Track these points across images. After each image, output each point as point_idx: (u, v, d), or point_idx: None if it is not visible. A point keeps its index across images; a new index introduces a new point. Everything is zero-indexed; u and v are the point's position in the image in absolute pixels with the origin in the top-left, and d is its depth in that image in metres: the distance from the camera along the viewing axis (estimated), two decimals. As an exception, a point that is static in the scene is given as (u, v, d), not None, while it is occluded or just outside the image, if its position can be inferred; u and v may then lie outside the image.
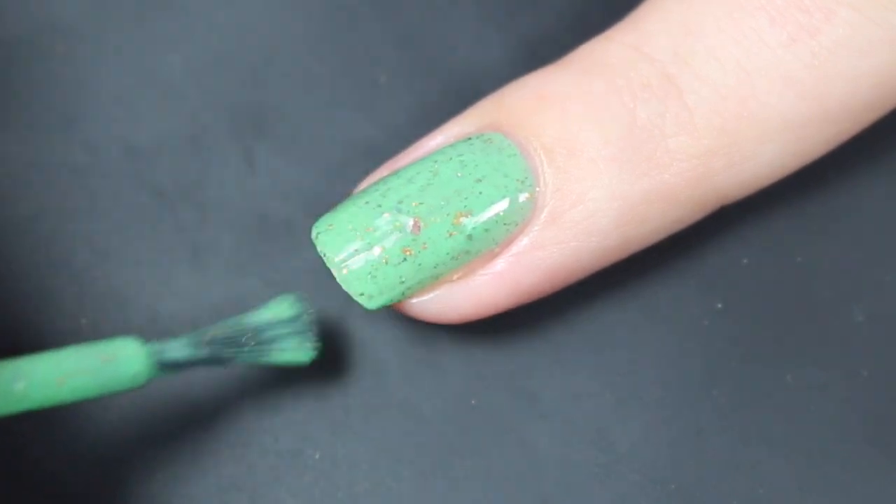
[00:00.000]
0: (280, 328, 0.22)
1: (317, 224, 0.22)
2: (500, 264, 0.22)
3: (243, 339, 0.22)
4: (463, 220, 0.22)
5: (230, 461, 0.23)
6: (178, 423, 0.24)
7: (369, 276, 0.22)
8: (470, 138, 0.23)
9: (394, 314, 0.24)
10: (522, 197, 0.22)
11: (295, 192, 0.25)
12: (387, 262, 0.22)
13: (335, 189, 0.25)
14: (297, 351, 0.22)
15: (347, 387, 0.24)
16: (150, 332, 0.24)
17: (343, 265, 0.22)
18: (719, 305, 0.25)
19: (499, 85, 0.24)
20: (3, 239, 0.25)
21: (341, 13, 0.26)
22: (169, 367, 0.21)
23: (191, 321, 0.24)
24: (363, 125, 0.26)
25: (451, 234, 0.22)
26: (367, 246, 0.22)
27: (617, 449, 0.24)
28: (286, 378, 0.24)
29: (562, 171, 0.22)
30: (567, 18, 0.26)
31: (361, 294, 0.22)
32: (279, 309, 0.22)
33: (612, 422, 0.24)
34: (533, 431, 0.24)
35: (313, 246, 0.22)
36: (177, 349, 0.21)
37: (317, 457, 0.24)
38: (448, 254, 0.22)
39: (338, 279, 0.22)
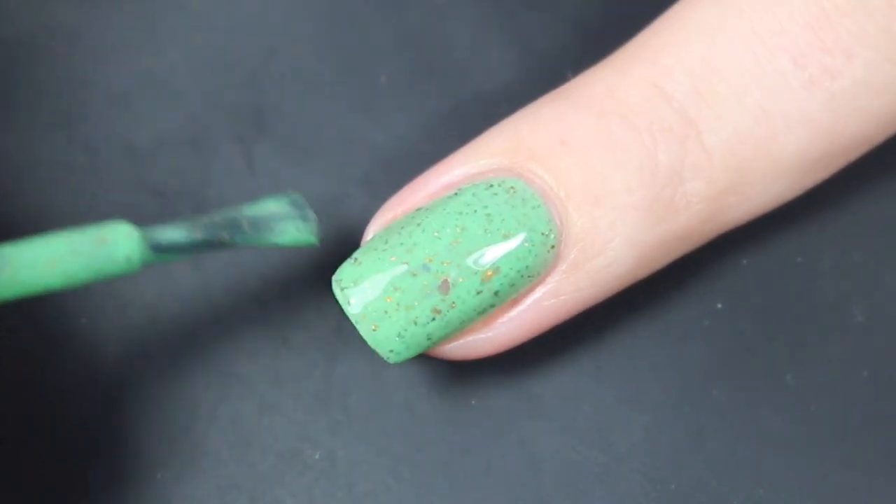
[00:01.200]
0: (280, 211, 0.22)
1: (338, 278, 0.22)
2: (519, 311, 0.22)
3: (242, 222, 0.21)
4: (492, 277, 0.21)
5: (230, 461, 0.23)
6: (178, 422, 0.24)
7: (397, 337, 0.21)
8: (492, 185, 0.22)
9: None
10: (547, 249, 0.22)
11: (295, 191, 0.24)
12: (416, 324, 0.21)
13: (335, 188, 0.25)
14: (299, 232, 0.22)
15: (347, 387, 0.24)
16: (150, 332, 0.24)
17: (371, 324, 0.21)
18: (719, 305, 0.25)
19: (498, 85, 0.24)
20: (3, 239, 0.25)
21: (342, 13, 0.26)
22: (164, 251, 0.20)
23: (191, 321, 0.24)
24: (363, 125, 0.26)
25: (479, 293, 0.21)
26: (395, 307, 0.21)
27: (617, 449, 0.24)
28: (286, 378, 0.24)
29: (586, 221, 0.22)
30: (567, 19, 0.26)
31: (391, 351, 0.22)
32: (277, 199, 0.22)
33: (612, 422, 0.24)
34: (533, 431, 0.24)
35: (334, 297, 0.22)
36: (172, 231, 0.20)
37: (316, 457, 0.24)
38: (475, 310, 0.22)
39: (364, 336, 0.22)
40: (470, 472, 0.24)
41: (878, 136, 0.23)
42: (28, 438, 0.23)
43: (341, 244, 0.24)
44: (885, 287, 0.25)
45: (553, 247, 0.22)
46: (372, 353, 0.24)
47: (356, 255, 0.22)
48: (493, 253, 0.21)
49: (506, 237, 0.21)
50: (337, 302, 0.23)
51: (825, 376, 0.24)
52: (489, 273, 0.21)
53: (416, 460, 0.24)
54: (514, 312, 0.22)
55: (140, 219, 0.24)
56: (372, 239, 0.22)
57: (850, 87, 0.21)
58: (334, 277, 0.22)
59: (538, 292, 0.22)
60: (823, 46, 0.21)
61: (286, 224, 0.22)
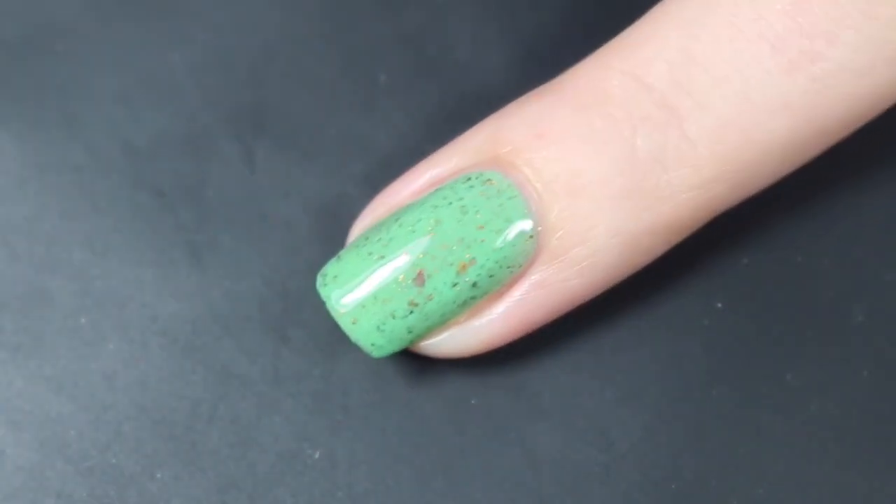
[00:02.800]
0: None
1: (322, 273, 0.22)
2: (506, 304, 0.22)
3: None
4: (467, 268, 0.22)
5: (230, 461, 0.23)
6: (178, 423, 0.24)
7: (377, 330, 0.22)
8: (469, 178, 0.22)
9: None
10: (525, 239, 0.22)
11: (295, 192, 0.25)
12: (394, 317, 0.22)
13: (335, 188, 0.25)
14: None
15: (347, 387, 0.24)
16: (149, 332, 0.24)
17: (351, 318, 0.22)
18: (719, 305, 0.25)
19: (498, 85, 0.24)
20: (3, 238, 0.25)
21: (341, 12, 0.26)
22: None
23: (191, 321, 0.24)
24: (363, 124, 0.26)
25: (455, 285, 0.22)
26: (372, 299, 0.22)
27: (617, 448, 0.24)
28: (286, 378, 0.24)
29: (564, 211, 0.22)
30: (567, 18, 0.26)
31: (372, 345, 0.22)
32: None
33: (612, 421, 0.24)
34: (533, 431, 0.24)
35: (318, 294, 0.22)
36: None
37: (316, 456, 0.23)
38: (454, 301, 0.22)
39: (345, 330, 0.22)
40: (470, 471, 0.24)
41: (864, 117, 0.22)
42: (28, 438, 0.23)
43: (340, 244, 0.24)
44: (885, 287, 0.25)
45: (532, 237, 0.22)
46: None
47: (340, 252, 0.22)
48: (467, 242, 0.22)
49: (480, 228, 0.22)
50: None
51: (825, 376, 0.24)
52: (464, 264, 0.22)
53: (416, 460, 0.24)
54: (502, 306, 0.22)
55: (139, 218, 0.25)
56: (356, 237, 0.23)
57: (832, 70, 0.21)
58: (318, 274, 0.22)
59: (524, 284, 0.22)
60: (801, 31, 0.21)
61: None
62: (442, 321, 0.22)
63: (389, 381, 0.24)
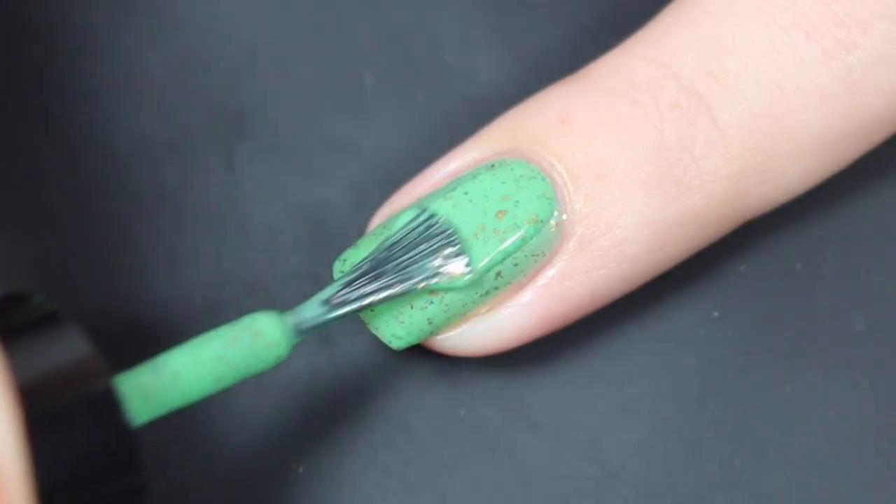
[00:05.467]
0: (420, 244, 0.22)
1: (340, 259, 0.22)
2: (529, 295, 0.22)
3: (387, 276, 0.21)
4: None
5: (214, 477, 0.23)
6: (160, 439, 0.23)
7: (396, 320, 0.22)
8: (493, 166, 0.22)
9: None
10: (550, 228, 0.22)
11: (277, 197, 0.25)
12: (413, 307, 0.22)
13: (318, 192, 0.25)
14: (449, 277, 0.22)
15: (332, 398, 0.24)
16: (128, 341, 0.24)
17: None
18: (716, 314, 0.25)
19: (487, 86, 0.24)
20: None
21: (326, 13, 0.26)
22: (309, 331, 0.21)
23: (170, 329, 0.24)
24: (348, 128, 0.26)
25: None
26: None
27: (610, 462, 0.24)
28: (269, 390, 0.24)
29: (589, 199, 0.22)
30: (557, 19, 0.26)
31: (392, 336, 0.22)
32: (413, 223, 0.22)
33: (605, 434, 0.24)
34: (523, 443, 0.24)
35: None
36: (314, 310, 0.21)
37: (300, 470, 0.23)
38: (476, 291, 0.22)
39: (364, 320, 0.22)
40: (459, 485, 0.23)
41: None
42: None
43: (325, 251, 0.24)
44: (887, 294, 0.25)
45: (557, 224, 0.22)
46: (359, 364, 0.24)
47: (358, 240, 0.22)
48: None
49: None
50: None
51: (825, 387, 0.24)
52: None
53: (404, 473, 0.23)
54: (525, 297, 0.22)
55: (119, 223, 0.25)
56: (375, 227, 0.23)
57: (867, 60, 0.21)
58: (336, 261, 0.22)
59: (546, 275, 0.22)
60: (836, 18, 0.21)
61: (430, 259, 0.22)
62: (462, 312, 0.22)
63: (377, 393, 0.24)
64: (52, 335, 0.19)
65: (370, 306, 0.21)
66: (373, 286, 0.21)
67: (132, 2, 0.26)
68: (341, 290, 0.21)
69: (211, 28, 0.26)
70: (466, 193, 0.22)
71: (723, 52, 0.22)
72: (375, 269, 0.21)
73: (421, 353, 0.24)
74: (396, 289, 0.21)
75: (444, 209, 0.22)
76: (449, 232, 0.22)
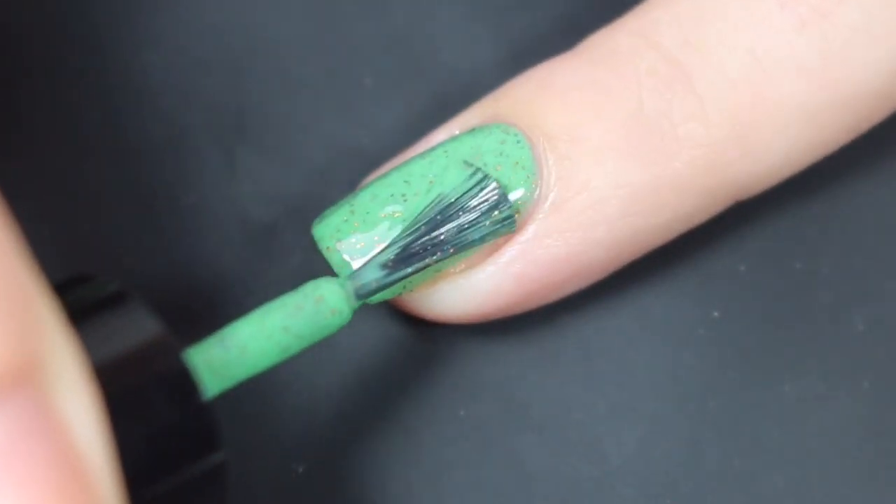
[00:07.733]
0: (471, 200, 0.22)
1: (318, 219, 0.23)
2: (505, 256, 0.22)
3: (443, 237, 0.22)
4: None
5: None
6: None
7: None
8: (473, 129, 0.23)
9: (379, 323, 0.24)
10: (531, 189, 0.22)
11: (277, 197, 0.25)
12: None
13: (319, 193, 0.25)
14: (498, 225, 0.22)
15: (332, 399, 0.24)
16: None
17: (342, 259, 0.22)
18: (715, 314, 0.25)
19: (487, 87, 0.24)
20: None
21: (326, 13, 0.26)
22: (371, 294, 0.21)
23: (170, 329, 0.24)
24: (348, 128, 0.26)
25: None
26: (366, 240, 0.22)
27: (610, 462, 0.24)
28: (269, 390, 0.24)
29: (564, 159, 0.22)
30: (557, 19, 0.26)
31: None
32: (466, 183, 0.22)
33: (604, 434, 0.24)
34: (523, 443, 0.24)
35: (312, 239, 0.23)
36: (374, 273, 0.21)
37: (300, 471, 0.23)
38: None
39: (336, 271, 0.22)
40: (458, 485, 0.23)
41: (885, 91, 0.23)
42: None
43: None
44: (887, 294, 0.25)
45: (533, 184, 0.22)
46: (359, 364, 0.24)
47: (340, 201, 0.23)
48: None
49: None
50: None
51: (825, 387, 0.24)
52: None
53: (404, 474, 0.23)
54: (500, 258, 0.22)
55: (118, 222, 0.25)
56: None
57: (844, 30, 0.22)
58: (314, 221, 0.23)
59: (522, 235, 0.22)
60: None
61: (484, 220, 0.22)
62: (436, 268, 0.22)
63: (375, 394, 0.24)
64: (120, 315, 0.18)
65: (427, 267, 0.21)
66: (429, 248, 0.21)
67: (132, 2, 0.26)
68: (399, 252, 0.21)
69: (211, 28, 0.26)
70: (445, 152, 0.22)
71: (702, 24, 0.22)
72: (431, 231, 0.22)
73: (421, 352, 0.24)
74: (452, 250, 0.22)
75: (419, 166, 0.22)
76: (500, 192, 0.22)
